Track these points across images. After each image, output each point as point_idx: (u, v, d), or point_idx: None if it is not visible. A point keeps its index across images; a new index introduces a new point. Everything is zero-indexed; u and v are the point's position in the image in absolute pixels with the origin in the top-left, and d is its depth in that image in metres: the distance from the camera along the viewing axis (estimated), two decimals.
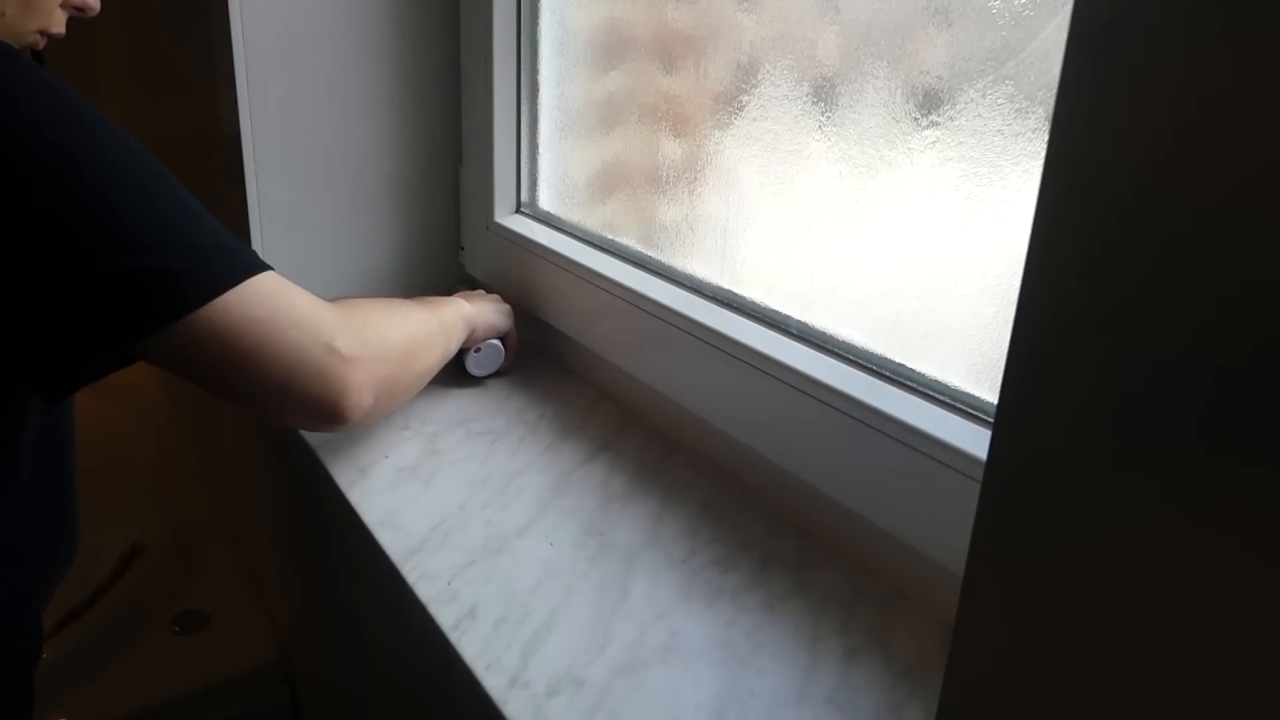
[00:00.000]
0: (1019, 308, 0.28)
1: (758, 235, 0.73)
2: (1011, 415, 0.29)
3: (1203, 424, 0.24)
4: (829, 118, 0.64)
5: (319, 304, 0.66)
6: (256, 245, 0.98)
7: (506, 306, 0.93)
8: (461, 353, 0.88)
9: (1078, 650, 0.28)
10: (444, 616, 0.59)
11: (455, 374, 0.93)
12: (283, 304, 0.63)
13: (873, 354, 0.65)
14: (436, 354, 0.80)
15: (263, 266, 0.63)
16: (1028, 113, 0.52)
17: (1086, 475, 0.27)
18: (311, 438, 0.80)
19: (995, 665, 0.31)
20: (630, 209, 0.87)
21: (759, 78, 0.69)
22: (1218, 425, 0.24)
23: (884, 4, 0.59)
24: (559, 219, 0.97)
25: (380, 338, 0.70)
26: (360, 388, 0.66)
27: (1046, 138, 0.29)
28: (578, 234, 0.93)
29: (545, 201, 0.99)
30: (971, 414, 0.58)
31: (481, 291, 0.97)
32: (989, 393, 0.58)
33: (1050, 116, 0.27)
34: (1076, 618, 0.28)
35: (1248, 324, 0.23)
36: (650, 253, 0.84)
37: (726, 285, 0.76)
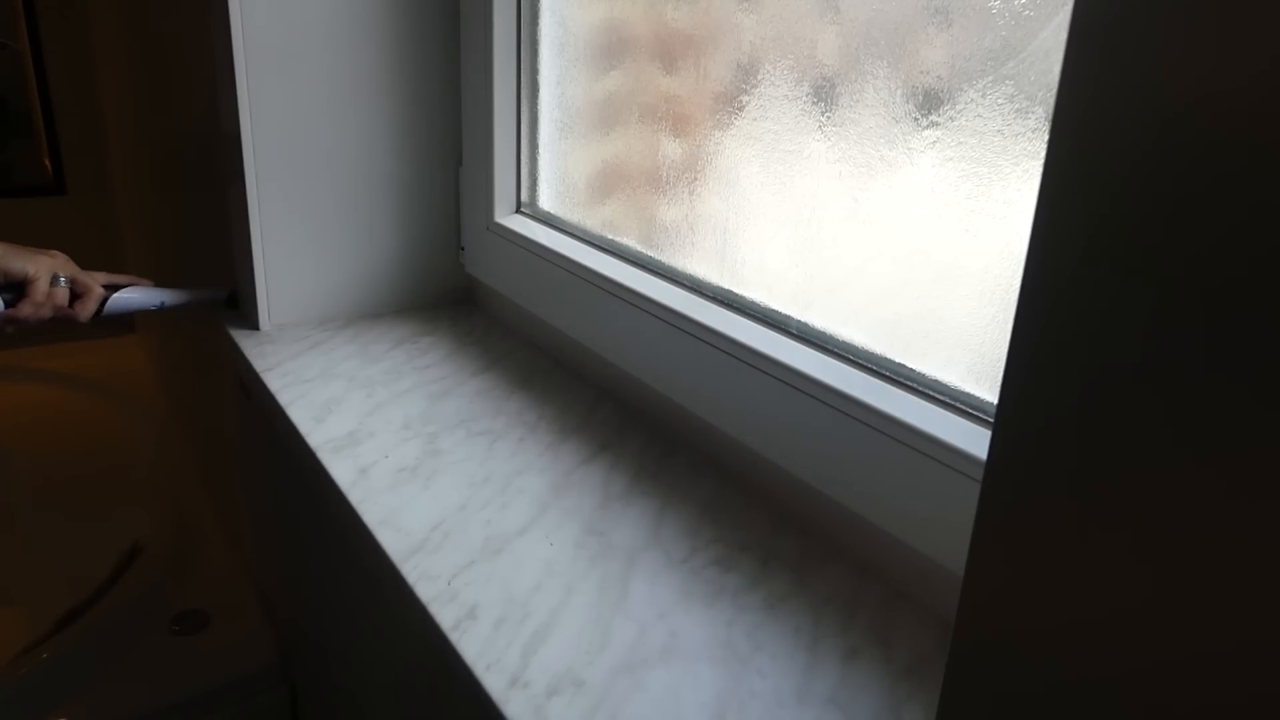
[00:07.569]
0: (1019, 307, 0.28)
1: (758, 235, 0.73)
2: (1011, 415, 0.29)
3: (1204, 423, 0.24)
4: (829, 118, 0.64)
5: None
6: (256, 245, 0.98)
7: (39, 263, 0.88)
8: None
9: (1079, 650, 0.28)
10: (444, 616, 0.59)
11: (456, 375, 0.93)
12: None
13: (873, 354, 0.65)
14: None
15: None
16: (1028, 113, 0.52)
17: (1086, 474, 0.27)
18: (313, 438, 0.80)
19: (996, 665, 0.31)
20: (630, 209, 0.87)
21: (759, 78, 0.69)
22: (1219, 424, 0.24)
23: (884, 4, 0.59)
24: (559, 219, 0.97)
25: None
26: None
27: (1046, 138, 0.29)
28: (578, 234, 0.93)
29: (545, 201, 0.99)
30: (971, 414, 0.58)
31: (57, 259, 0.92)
32: (989, 393, 0.58)
33: (1050, 116, 0.27)
34: (1078, 617, 0.28)
35: (1248, 324, 0.23)
36: (650, 253, 0.84)
37: (726, 285, 0.76)
